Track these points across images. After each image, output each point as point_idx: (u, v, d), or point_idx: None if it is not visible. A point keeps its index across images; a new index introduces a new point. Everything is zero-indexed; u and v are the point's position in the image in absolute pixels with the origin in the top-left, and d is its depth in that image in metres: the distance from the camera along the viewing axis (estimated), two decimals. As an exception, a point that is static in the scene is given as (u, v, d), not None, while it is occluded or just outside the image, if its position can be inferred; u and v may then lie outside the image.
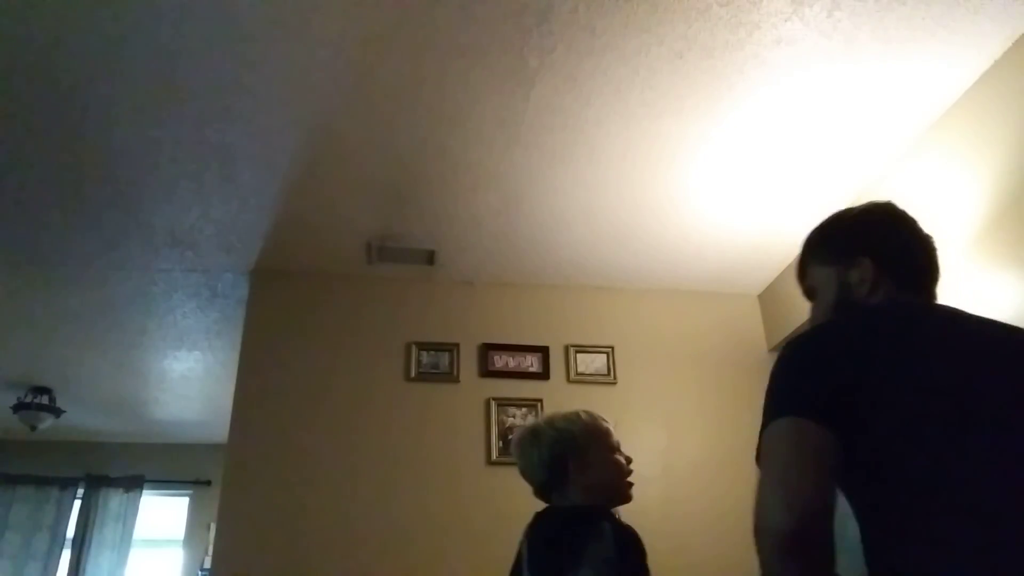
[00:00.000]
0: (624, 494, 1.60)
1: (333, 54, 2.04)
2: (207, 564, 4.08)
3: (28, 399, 4.63)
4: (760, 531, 0.91)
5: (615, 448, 1.63)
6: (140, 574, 5.56)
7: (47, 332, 3.86)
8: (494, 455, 2.93)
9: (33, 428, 4.71)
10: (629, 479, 1.62)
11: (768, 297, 3.35)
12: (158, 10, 1.87)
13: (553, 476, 1.59)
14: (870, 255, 1.15)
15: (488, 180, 2.62)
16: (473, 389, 3.05)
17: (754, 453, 0.98)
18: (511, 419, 3.02)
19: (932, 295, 1.16)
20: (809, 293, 1.26)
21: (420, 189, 2.68)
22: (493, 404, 3.03)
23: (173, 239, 2.94)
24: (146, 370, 4.39)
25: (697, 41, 2.01)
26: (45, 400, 4.68)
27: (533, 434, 1.65)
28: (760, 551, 0.92)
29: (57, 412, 4.73)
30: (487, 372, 3.09)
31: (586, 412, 1.69)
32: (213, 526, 3.24)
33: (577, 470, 1.56)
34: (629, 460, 1.63)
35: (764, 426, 0.96)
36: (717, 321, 3.35)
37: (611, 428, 1.67)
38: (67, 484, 5.58)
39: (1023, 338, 1.02)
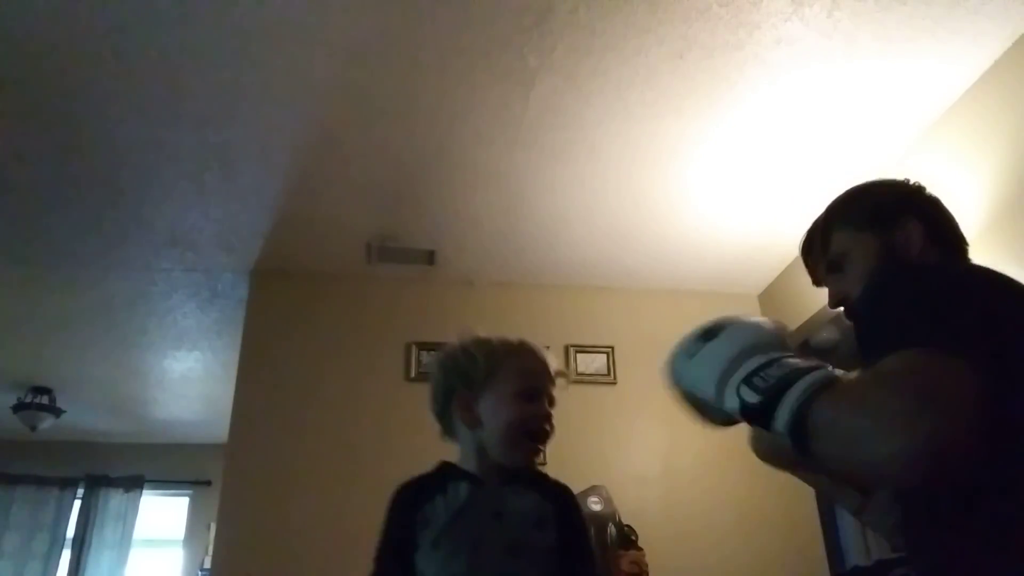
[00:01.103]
0: (516, 461, 1.14)
1: (333, 54, 2.04)
2: (207, 564, 4.07)
3: (28, 399, 4.63)
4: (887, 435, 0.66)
5: (527, 394, 1.16)
6: (140, 574, 5.56)
7: (47, 332, 3.86)
8: (494, 455, 2.92)
9: (33, 428, 4.71)
10: (531, 437, 1.14)
11: (768, 297, 3.35)
12: (159, 11, 1.87)
13: (441, 414, 1.22)
14: (916, 214, 1.05)
15: (488, 180, 2.62)
16: (473, 389, 3.05)
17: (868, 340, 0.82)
18: (511, 419, 3.01)
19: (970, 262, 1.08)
20: (834, 264, 1.11)
21: (420, 189, 2.67)
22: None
23: (173, 239, 2.94)
24: (146, 370, 4.39)
25: (697, 41, 2.01)
26: (45, 400, 4.68)
27: (440, 354, 1.25)
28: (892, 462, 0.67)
29: (57, 412, 4.73)
30: (487, 372, 3.09)
31: (515, 340, 1.23)
32: (213, 526, 3.24)
33: (458, 412, 1.17)
34: (546, 416, 1.17)
35: (891, 347, 0.75)
36: (717, 321, 3.35)
37: (536, 365, 1.21)
38: (67, 484, 5.58)
39: None
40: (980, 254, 2.06)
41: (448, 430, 1.22)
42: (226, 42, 1.99)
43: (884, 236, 1.05)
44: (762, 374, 0.79)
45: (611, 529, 2.71)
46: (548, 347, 1.29)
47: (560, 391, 1.21)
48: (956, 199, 2.15)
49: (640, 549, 2.68)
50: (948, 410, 0.66)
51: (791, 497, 3.00)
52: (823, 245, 1.14)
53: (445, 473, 1.17)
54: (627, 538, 2.70)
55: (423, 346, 3.10)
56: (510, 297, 3.29)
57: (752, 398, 0.78)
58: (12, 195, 2.64)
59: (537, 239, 3.00)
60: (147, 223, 2.83)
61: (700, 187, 2.66)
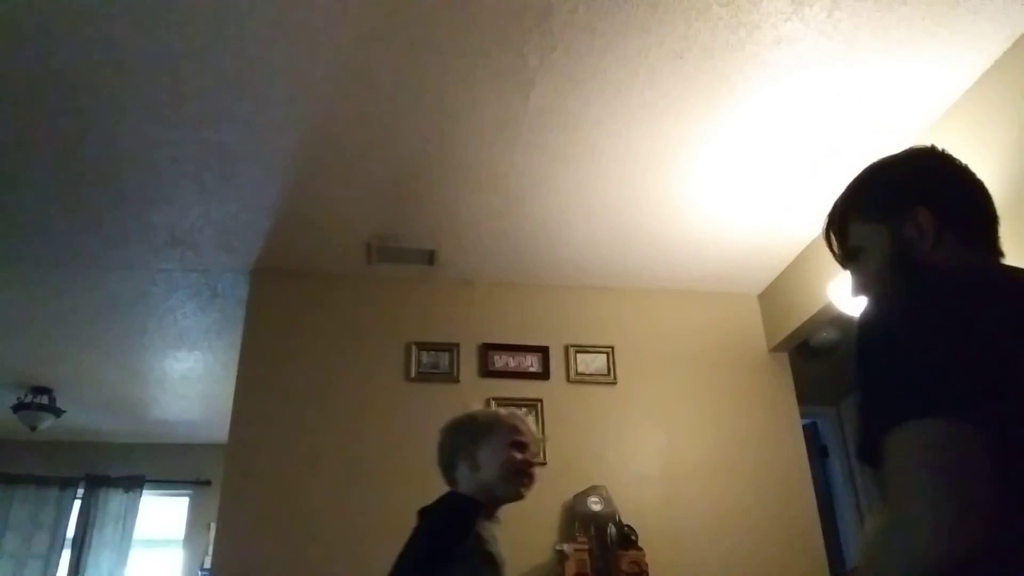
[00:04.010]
0: (509, 493, 1.50)
1: (333, 54, 2.04)
2: (207, 564, 4.07)
3: (28, 399, 4.63)
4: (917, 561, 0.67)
5: (516, 445, 1.52)
6: (140, 574, 5.56)
7: (47, 332, 3.86)
8: (494, 455, 2.93)
9: (33, 428, 4.71)
10: (523, 479, 1.51)
11: (768, 297, 3.35)
12: (159, 11, 1.87)
13: (447, 466, 1.56)
14: (927, 204, 0.97)
15: (488, 180, 2.62)
16: (473, 389, 3.05)
17: (855, 448, 0.81)
18: (511, 419, 3.02)
19: (999, 249, 1.00)
20: (850, 255, 1.07)
21: (420, 189, 2.68)
22: (493, 404, 3.03)
23: (173, 239, 2.94)
24: (146, 370, 4.39)
25: (697, 41, 2.01)
26: (45, 400, 4.68)
27: (448, 423, 1.63)
28: None
29: (57, 412, 4.73)
30: (487, 372, 3.09)
31: (503, 410, 1.66)
32: (213, 526, 3.24)
33: (464, 459, 1.52)
34: (529, 462, 1.53)
35: (889, 421, 0.73)
36: (717, 321, 3.35)
37: (523, 427, 1.57)
38: (67, 484, 5.58)
39: None
40: (980, 254, 2.06)
41: (452, 478, 1.55)
42: (226, 42, 1.99)
43: (895, 228, 0.99)
44: None
45: (611, 529, 2.72)
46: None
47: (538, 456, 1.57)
48: (956, 199, 2.16)
49: (640, 549, 2.68)
50: (968, 499, 0.67)
51: (791, 497, 3.01)
52: (840, 235, 1.09)
53: (477, 502, 1.47)
54: (627, 538, 2.70)
55: (423, 346, 3.10)
56: (510, 297, 3.29)
57: None
58: (12, 195, 2.64)
59: (537, 239, 3.00)
60: (147, 223, 2.83)
61: (700, 187, 2.66)
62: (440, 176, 2.60)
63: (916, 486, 0.69)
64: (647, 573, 2.63)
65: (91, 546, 5.40)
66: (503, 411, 1.63)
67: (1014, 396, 0.72)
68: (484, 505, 1.47)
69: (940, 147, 1.06)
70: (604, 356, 3.20)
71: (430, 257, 3.11)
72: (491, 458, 1.49)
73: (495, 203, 2.76)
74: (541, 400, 3.06)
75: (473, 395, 3.04)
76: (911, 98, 2.23)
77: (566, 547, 2.67)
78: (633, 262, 3.17)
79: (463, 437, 1.55)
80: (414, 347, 3.09)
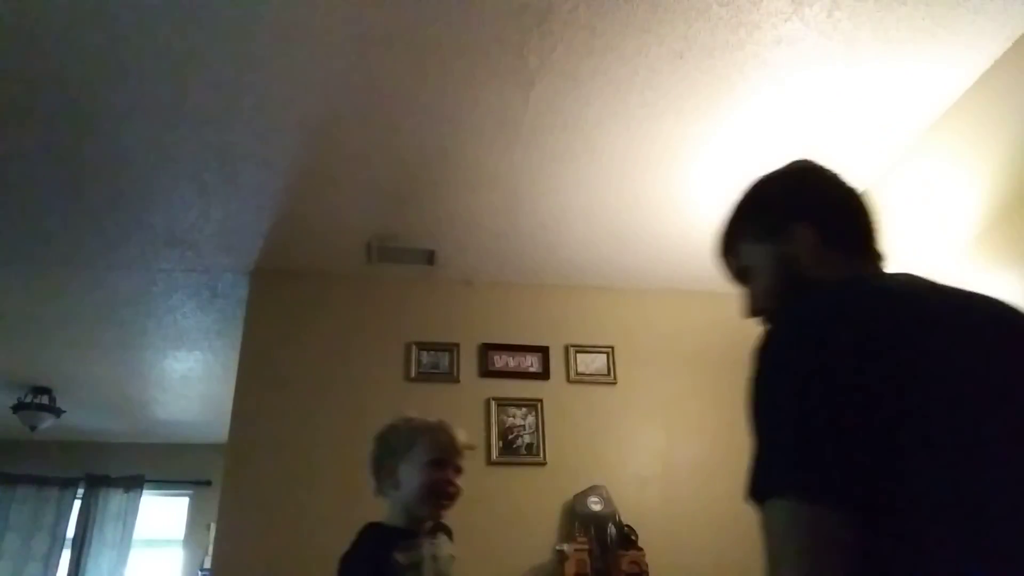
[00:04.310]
0: (425, 514, 1.49)
1: (333, 55, 2.04)
2: (207, 564, 4.07)
3: (28, 399, 4.63)
4: None
5: (436, 463, 1.49)
6: (140, 574, 5.56)
7: (47, 332, 3.86)
8: (494, 455, 2.93)
9: (33, 428, 4.71)
10: (441, 500, 1.49)
11: (768, 297, 3.35)
12: (160, 11, 1.87)
13: (374, 477, 1.54)
14: (803, 220, 0.98)
15: (488, 180, 2.62)
16: (473, 389, 3.05)
17: (746, 487, 0.81)
18: (511, 419, 3.02)
19: (879, 255, 0.99)
20: (741, 275, 1.07)
21: (420, 189, 2.68)
22: (493, 404, 3.03)
23: (173, 239, 2.94)
24: (146, 370, 4.39)
25: (697, 41, 2.01)
26: (45, 400, 4.68)
27: (378, 430, 1.60)
28: None
29: (57, 412, 4.73)
30: (487, 372, 3.09)
31: (430, 420, 1.57)
32: (213, 526, 3.24)
33: (386, 475, 1.51)
34: (448, 482, 1.49)
35: (762, 488, 0.76)
36: (717, 321, 3.34)
37: (444, 441, 1.53)
38: (67, 484, 5.58)
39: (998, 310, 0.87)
40: (980, 254, 2.07)
41: (380, 490, 1.54)
42: (226, 42, 1.99)
43: (778, 245, 0.99)
44: None
45: (611, 529, 2.72)
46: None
47: (467, 460, 1.57)
48: (956, 199, 2.16)
49: (640, 549, 2.68)
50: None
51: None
52: (730, 255, 1.10)
53: (390, 530, 1.47)
54: (627, 538, 2.71)
55: (423, 346, 3.10)
56: (510, 297, 3.29)
57: None
58: (12, 195, 2.64)
59: (537, 239, 3.00)
60: (147, 223, 2.83)
61: (700, 187, 2.66)
62: (440, 176, 2.60)
63: (775, 571, 0.71)
64: (647, 573, 2.63)
65: (91, 546, 5.40)
66: (429, 422, 1.57)
67: (885, 466, 0.70)
68: (401, 532, 1.45)
69: (812, 159, 1.08)
70: (604, 356, 3.20)
71: (430, 257, 3.11)
72: (410, 477, 1.48)
73: (495, 203, 2.76)
74: (541, 400, 3.06)
75: (473, 395, 3.05)
76: (911, 98, 2.23)
77: (566, 547, 2.67)
78: (633, 262, 3.17)
79: (385, 451, 1.54)
80: (414, 347, 3.09)
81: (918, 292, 0.88)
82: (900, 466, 0.69)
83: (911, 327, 0.78)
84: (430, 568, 1.42)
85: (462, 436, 1.57)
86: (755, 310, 1.06)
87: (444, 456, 1.51)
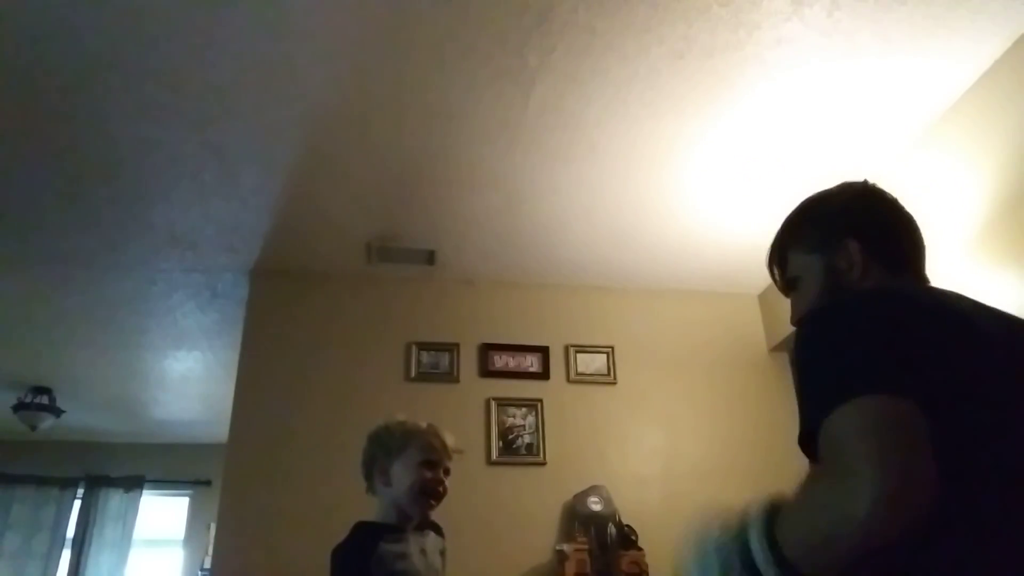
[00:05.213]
0: (415, 512, 1.57)
1: (334, 54, 2.04)
2: (207, 564, 4.07)
3: (28, 399, 4.63)
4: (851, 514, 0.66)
5: (427, 464, 1.58)
6: (140, 574, 5.56)
7: (47, 332, 3.86)
8: (494, 455, 2.93)
9: (33, 428, 4.71)
10: (430, 499, 1.58)
11: (768, 297, 3.35)
12: (159, 10, 1.87)
13: (366, 475, 1.63)
14: (855, 236, 1.05)
15: (488, 180, 2.62)
16: (473, 389, 3.05)
17: (796, 438, 0.83)
18: (511, 419, 3.02)
19: (924, 277, 1.07)
20: (791, 284, 1.14)
21: (420, 189, 2.68)
22: (493, 404, 3.03)
23: (173, 239, 2.94)
24: (146, 370, 4.39)
25: (697, 41, 2.01)
26: (45, 400, 4.68)
27: (370, 430, 1.68)
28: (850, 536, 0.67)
29: (57, 412, 4.73)
30: (487, 372, 3.09)
31: (421, 423, 1.65)
32: (213, 526, 3.24)
33: (378, 474, 1.59)
34: (437, 481, 1.58)
35: (827, 407, 0.75)
36: (717, 321, 3.35)
37: (436, 443, 1.61)
38: (67, 484, 5.58)
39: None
40: (981, 254, 2.07)
41: (371, 488, 1.62)
42: (226, 42, 1.99)
43: (827, 258, 1.07)
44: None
45: (611, 529, 2.71)
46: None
47: (456, 462, 1.65)
48: (956, 199, 2.16)
49: (640, 549, 2.68)
50: (911, 462, 0.68)
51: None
52: (780, 265, 1.16)
53: (380, 525, 1.55)
54: (627, 538, 2.70)
55: (423, 346, 3.10)
56: (510, 297, 3.29)
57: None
58: (12, 195, 2.64)
59: (537, 239, 3.00)
60: (147, 223, 2.83)
61: (700, 187, 2.66)
62: (440, 176, 2.60)
63: (860, 449, 0.69)
64: (647, 573, 2.63)
65: (91, 546, 5.40)
66: (420, 425, 1.64)
67: (942, 378, 0.76)
68: (388, 527, 1.53)
69: (871, 182, 1.14)
70: (604, 356, 3.20)
71: (430, 257, 3.11)
72: (402, 476, 1.56)
73: (495, 203, 2.76)
74: (541, 400, 3.06)
75: (473, 395, 3.05)
76: (911, 98, 2.23)
77: (566, 547, 2.67)
78: (633, 262, 3.17)
79: (379, 450, 1.61)
80: (414, 347, 3.09)
81: (960, 303, 0.94)
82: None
83: (949, 328, 0.84)
84: (419, 559, 1.50)
85: (451, 440, 1.65)
86: (801, 318, 1.11)
87: (435, 458, 1.60)
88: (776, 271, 1.17)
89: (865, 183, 1.14)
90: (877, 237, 1.06)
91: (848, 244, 1.04)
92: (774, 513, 0.79)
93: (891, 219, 1.10)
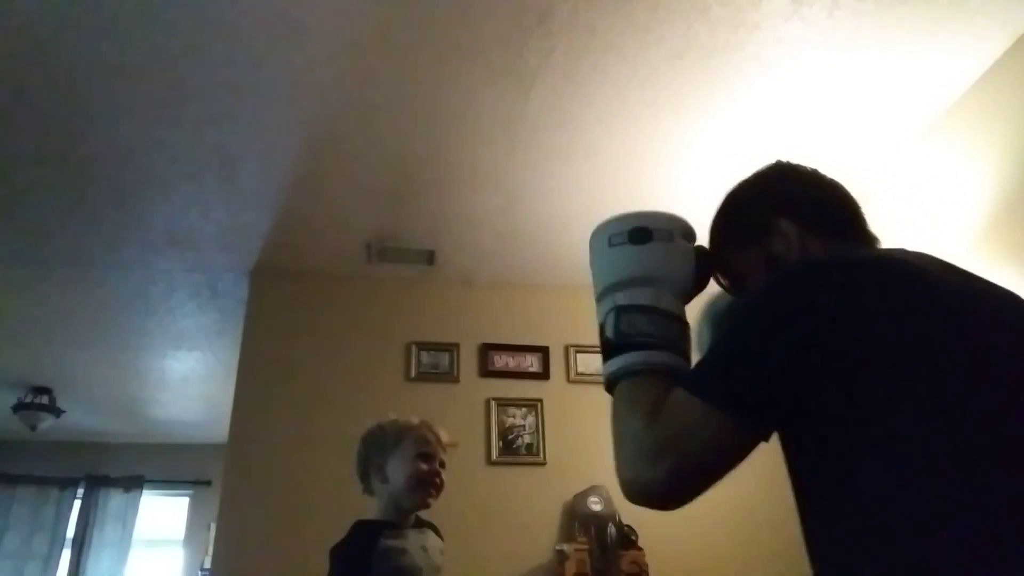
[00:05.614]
0: (415, 503, 1.59)
1: (333, 54, 2.04)
2: (207, 564, 4.07)
3: (28, 399, 4.64)
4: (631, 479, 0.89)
5: (423, 456, 1.59)
6: (140, 574, 5.56)
7: (47, 332, 3.86)
8: (494, 455, 2.93)
9: (33, 428, 4.71)
10: (429, 489, 1.58)
11: (768, 297, 3.35)
12: (159, 11, 1.87)
13: (362, 476, 1.65)
14: (783, 214, 1.00)
15: (488, 180, 2.62)
16: (473, 389, 3.05)
17: (688, 373, 0.90)
18: (511, 419, 3.02)
19: (871, 237, 1.01)
20: (736, 284, 1.10)
21: (420, 189, 2.67)
22: (493, 404, 3.03)
23: (173, 239, 2.94)
24: (146, 370, 4.39)
25: (697, 41, 2.01)
26: (45, 400, 4.68)
27: (363, 432, 1.70)
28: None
29: (57, 412, 4.73)
30: (487, 372, 3.09)
31: (414, 419, 1.68)
32: (213, 526, 3.24)
33: (375, 471, 1.60)
34: (434, 472, 1.59)
35: (691, 376, 0.86)
36: (717, 321, 3.35)
37: (430, 437, 1.63)
38: (67, 484, 5.58)
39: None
40: (981, 252, 2.07)
41: (367, 488, 1.64)
42: (226, 42, 1.98)
43: (763, 246, 1.02)
44: (634, 316, 0.98)
45: (611, 529, 2.71)
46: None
47: (449, 456, 1.66)
48: (957, 198, 2.16)
49: (640, 549, 2.68)
50: (688, 485, 0.89)
51: (791, 498, 3.00)
52: (721, 269, 1.12)
53: (379, 522, 1.56)
54: (627, 538, 2.70)
55: (423, 346, 3.10)
56: (510, 297, 3.29)
57: (609, 331, 1.00)
58: (13, 195, 2.64)
59: (537, 239, 3.00)
60: (147, 223, 2.83)
61: (700, 187, 2.66)
62: (440, 176, 2.60)
63: (672, 446, 0.85)
64: (647, 573, 2.63)
65: (91, 546, 5.40)
66: (413, 421, 1.67)
67: (895, 340, 0.75)
68: (388, 524, 1.54)
69: (783, 159, 1.11)
70: (604, 356, 3.20)
71: (430, 257, 3.11)
72: (399, 470, 1.57)
73: (495, 203, 2.76)
74: (541, 400, 3.06)
75: (473, 395, 3.05)
76: (912, 98, 2.23)
77: (566, 547, 2.67)
78: (633, 262, 3.16)
79: (373, 449, 1.63)
80: (414, 347, 3.09)
81: (921, 262, 0.91)
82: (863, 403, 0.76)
83: (900, 288, 0.82)
84: (420, 555, 1.51)
85: (444, 434, 1.68)
86: None
87: (430, 450, 1.61)
88: (719, 277, 1.12)
89: (777, 162, 1.12)
90: (806, 210, 1.01)
91: (779, 224, 1.00)
92: (633, 375, 0.94)
93: (815, 188, 1.06)
